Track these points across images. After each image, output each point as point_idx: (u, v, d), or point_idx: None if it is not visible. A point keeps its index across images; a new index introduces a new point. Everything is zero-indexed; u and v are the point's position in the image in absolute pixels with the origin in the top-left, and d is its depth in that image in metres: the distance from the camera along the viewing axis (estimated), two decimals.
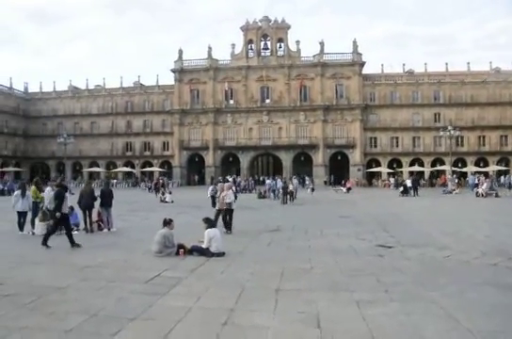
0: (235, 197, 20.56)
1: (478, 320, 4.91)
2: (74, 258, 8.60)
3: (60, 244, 9.86)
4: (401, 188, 32.12)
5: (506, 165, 50.12)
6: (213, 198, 18.99)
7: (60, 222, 10.18)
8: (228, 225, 12.44)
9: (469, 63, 52.80)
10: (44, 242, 9.75)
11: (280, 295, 5.88)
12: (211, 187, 20.22)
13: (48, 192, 12.58)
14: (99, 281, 6.59)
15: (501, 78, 51.83)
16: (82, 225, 12.82)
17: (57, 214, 9.91)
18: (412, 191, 31.52)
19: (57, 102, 60.12)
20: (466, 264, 8.06)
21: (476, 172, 45.61)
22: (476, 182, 34.17)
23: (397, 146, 53.04)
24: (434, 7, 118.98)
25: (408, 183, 32.76)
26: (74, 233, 12.25)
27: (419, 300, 5.65)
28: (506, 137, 51.76)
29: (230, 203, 12.56)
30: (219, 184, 14.49)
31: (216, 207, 13.41)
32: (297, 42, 54.28)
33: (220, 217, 12.67)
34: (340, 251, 9.23)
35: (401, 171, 49.56)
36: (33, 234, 11.89)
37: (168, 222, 9.01)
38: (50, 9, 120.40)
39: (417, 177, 37.16)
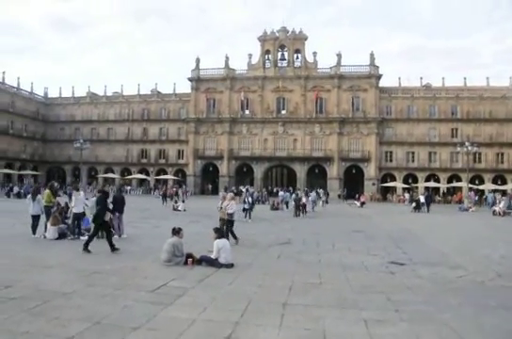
0: (251, 208, 20.64)
1: None
2: (83, 264, 8.60)
3: (71, 249, 9.90)
4: (414, 204, 31.89)
5: None
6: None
7: (104, 228, 10.41)
8: (233, 235, 12.27)
9: (488, 78, 52.24)
10: (85, 247, 9.88)
11: (287, 309, 5.77)
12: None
13: (76, 197, 12.64)
14: (105, 287, 6.56)
15: None
16: None
17: (105, 218, 10.25)
18: (425, 207, 31.21)
19: (76, 107, 61.03)
20: (480, 285, 7.84)
21: (494, 190, 44.83)
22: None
23: (413, 161, 52.44)
24: (453, 20, 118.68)
25: (422, 198, 32.45)
26: (85, 238, 12.34)
27: (430, 322, 5.48)
28: None
29: (231, 214, 12.38)
30: (220, 193, 14.47)
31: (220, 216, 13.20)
32: (314, 54, 54.40)
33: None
34: (351, 267, 9.07)
35: (416, 187, 48.90)
36: (45, 237, 11.97)
37: (177, 231, 8.98)
38: (72, 18, 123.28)
39: (430, 193, 36.73)
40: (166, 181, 54.56)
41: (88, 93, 61.33)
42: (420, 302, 6.41)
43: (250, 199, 21.93)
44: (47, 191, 13.22)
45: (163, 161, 57.83)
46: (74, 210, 12.36)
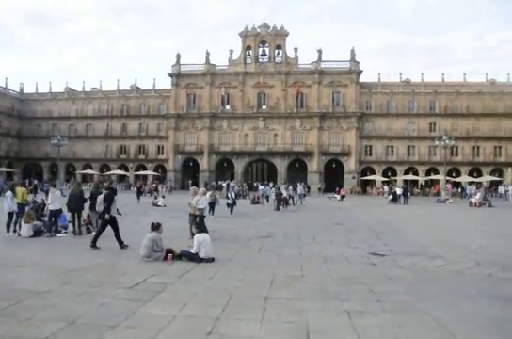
0: (234, 202, 20.36)
1: (473, 334, 4.75)
2: (59, 261, 8.35)
3: (47, 246, 9.63)
4: (391, 196, 33.03)
5: (500, 175, 50.27)
6: (211, 204, 17.76)
7: (108, 224, 10.26)
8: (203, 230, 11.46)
9: (465, 74, 53.18)
10: (93, 244, 9.84)
11: (269, 303, 5.69)
12: (209, 193, 18.09)
13: (52, 193, 12.31)
14: (81, 285, 6.36)
15: (496, 90, 52.13)
16: (70, 227, 12.59)
17: (107, 215, 10.12)
18: (402, 199, 32.27)
19: (53, 103, 59.77)
20: (459, 274, 7.92)
21: (471, 182, 45.74)
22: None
23: (392, 155, 53.08)
24: (433, 17, 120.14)
25: (399, 191, 33.55)
26: (62, 235, 12.06)
27: (412, 311, 5.47)
28: (500, 147, 51.95)
29: (202, 209, 11.96)
30: (191, 188, 13.86)
31: (190, 211, 12.38)
32: (295, 49, 54.41)
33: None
34: (332, 259, 9.05)
35: (395, 180, 49.52)
36: (19, 235, 11.65)
37: (156, 226, 8.81)
38: (49, 13, 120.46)
39: (407, 186, 37.92)
40: (145, 176, 54.04)
41: (65, 89, 60.16)
42: (401, 292, 6.42)
43: (233, 194, 21.58)
44: (20, 189, 12.86)
45: (142, 157, 57.25)
46: (51, 207, 12.05)
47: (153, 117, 56.86)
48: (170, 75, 55.42)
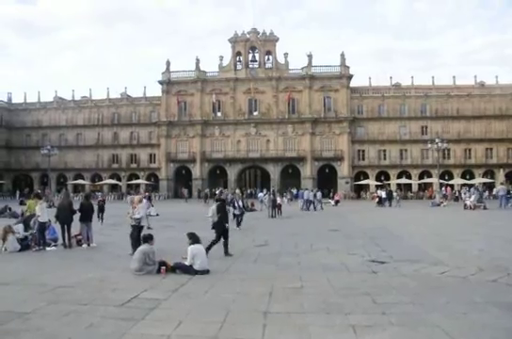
0: (242, 213, 17.71)
1: None
2: (46, 277, 7.94)
3: (34, 261, 9.23)
4: (377, 199, 34.94)
5: (492, 177, 50.38)
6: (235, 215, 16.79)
7: (224, 234, 10.55)
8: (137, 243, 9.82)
9: (454, 77, 53.35)
10: (226, 253, 10.38)
11: (269, 319, 5.37)
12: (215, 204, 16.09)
13: (40, 205, 11.87)
14: (69, 304, 5.99)
15: (485, 92, 52.48)
16: (60, 240, 12.17)
17: (227, 225, 10.71)
18: (387, 202, 34.04)
19: (42, 113, 59.13)
20: (464, 281, 7.67)
21: (463, 185, 45.71)
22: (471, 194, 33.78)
23: (385, 158, 53.06)
24: (420, 22, 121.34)
25: (383, 194, 35.11)
26: (51, 248, 11.63)
27: (421, 324, 5.18)
28: (491, 149, 52.17)
29: (139, 219, 10.98)
30: (129, 197, 13.12)
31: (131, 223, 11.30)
32: (286, 55, 54.39)
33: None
34: (331, 268, 8.76)
35: (389, 184, 49.37)
36: (5, 249, 11.20)
37: (147, 238, 8.46)
38: (37, 22, 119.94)
39: (391, 190, 39.81)
40: (138, 185, 53.53)
41: (55, 98, 59.65)
42: (407, 303, 6.14)
43: (241, 202, 18.66)
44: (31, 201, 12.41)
45: (134, 166, 56.76)
46: (40, 219, 11.62)
47: (145, 125, 56.48)
48: (161, 83, 55.15)
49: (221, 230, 10.51)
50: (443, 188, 41.60)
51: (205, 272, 8.08)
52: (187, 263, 8.17)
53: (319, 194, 31.53)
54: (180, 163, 54.90)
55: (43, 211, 11.79)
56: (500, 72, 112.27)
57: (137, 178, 55.11)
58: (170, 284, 7.24)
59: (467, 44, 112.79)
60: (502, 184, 38.32)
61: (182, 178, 54.82)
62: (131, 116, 57.25)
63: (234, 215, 17.24)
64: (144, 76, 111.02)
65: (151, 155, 56.55)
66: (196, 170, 53.99)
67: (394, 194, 36.36)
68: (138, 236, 10.13)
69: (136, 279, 7.73)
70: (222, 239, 10.58)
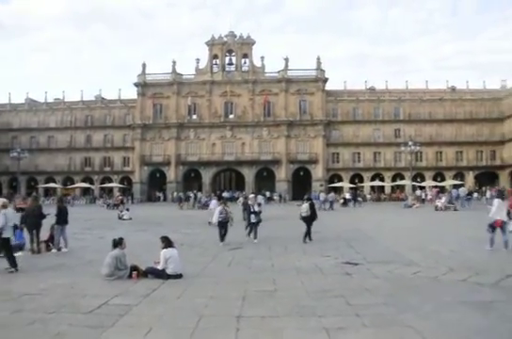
0: (259, 221, 14.02)
1: None
2: (12, 284, 7.66)
3: None
4: (342, 201, 37.43)
5: (461, 179, 51.60)
6: (222, 225, 13.41)
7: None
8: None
9: (427, 81, 54.70)
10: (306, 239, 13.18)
11: (242, 323, 5.29)
12: (219, 209, 13.78)
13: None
14: (35, 312, 5.76)
15: (456, 97, 53.85)
16: (28, 246, 11.79)
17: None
18: (352, 203, 36.93)
19: (13, 115, 57.57)
20: (435, 281, 7.78)
21: (435, 186, 46.62)
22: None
23: (359, 161, 53.72)
24: (394, 28, 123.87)
25: (347, 195, 38.38)
26: (18, 254, 11.22)
27: (393, 325, 5.21)
28: (461, 152, 53.50)
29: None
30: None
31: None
32: (262, 58, 54.55)
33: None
34: (305, 270, 8.74)
35: (357, 187, 49.81)
36: None
37: (118, 242, 8.25)
38: (8, 22, 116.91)
39: (356, 191, 43.22)
40: (111, 189, 52.66)
41: (26, 100, 58.21)
42: (380, 304, 6.16)
43: (257, 207, 14.62)
44: None
45: (108, 169, 55.86)
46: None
47: (119, 128, 55.69)
48: (136, 85, 54.57)
49: (311, 221, 13.69)
50: (432, 190, 42.45)
51: (178, 276, 7.94)
52: (160, 267, 8.02)
53: (331, 195, 35.03)
54: (154, 166, 54.33)
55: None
56: (470, 78, 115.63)
57: (111, 181, 54.21)
58: (142, 289, 7.08)
59: (439, 50, 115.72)
60: (462, 186, 40.01)
61: (156, 181, 54.24)
62: (105, 118, 56.40)
63: (250, 223, 14.18)
64: (119, 79, 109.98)
65: (125, 158, 55.80)
66: (170, 174, 53.49)
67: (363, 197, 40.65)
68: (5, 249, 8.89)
69: (107, 284, 7.53)
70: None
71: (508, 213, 12.28)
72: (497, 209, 11.28)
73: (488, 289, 7.04)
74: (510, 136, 51.50)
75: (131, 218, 23.40)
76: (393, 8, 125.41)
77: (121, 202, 32.40)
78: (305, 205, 14.15)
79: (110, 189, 52.78)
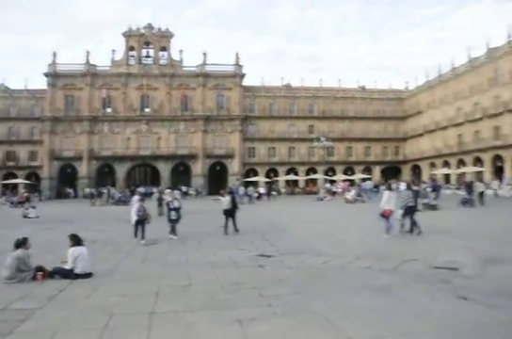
0: (179, 217, 13.60)
1: (360, 327, 4.83)
2: None
3: None
4: (256, 194, 38.14)
5: (369, 173, 55.04)
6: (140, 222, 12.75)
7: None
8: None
9: (340, 80, 57.35)
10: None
11: (155, 319, 5.22)
12: (136, 206, 13.22)
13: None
14: None
15: (366, 95, 57.26)
16: None
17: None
18: (265, 197, 38.38)
19: None
20: (343, 268, 8.22)
21: (345, 180, 49.14)
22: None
23: (274, 156, 55.13)
24: (310, 28, 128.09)
25: (262, 190, 39.89)
26: None
27: (303, 312, 5.44)
28: (370, 148, 57.10)
29: None
30: None
31: None
32: (181, 52, 53.78)
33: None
34: (219, 264, 8.80)
35: (272, 181, 51.13)
36: None
37: (22, 242, 7.69)
38: None
39: (270, 186, 45.30)
40: (16, 185, 48.85)
41: None
42: (291, 293, 6.40)
43: (177, 203, 13.96)
44: None
45: (12, 164, 51.80)
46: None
47: (26, 120, 51.90)
48: (46, 75, 51.12)
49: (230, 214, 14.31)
50: (343, 183, 44.14)
51: (87, 276, 7.60)
52: (68, 266, 7.62)
53: (250, 189, 36.52)
54: (65, 161, 51.40)
55: None
56: (378, 78, 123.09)
57: (16, 177, 50.23)
58: (47, 291, 6.67)
59: (351, 51, 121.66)
60: (370, 179, 42.91)
61: (67, 177, 51.32)
62: (9, 109, 52.28)
63: (171, 220, 13.52)
64: (27, 68, 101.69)
65: (32, 153, 52.17)
66: (82, 169, 50.96)
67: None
68: None
69: (7, 288, 6.98)
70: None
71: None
72: (387, 200, 12.37)
73: (389, 274, 7.61)
74: (411, 133, 55.97)
75: (38, 217, 21.92)
76: (311, 9, 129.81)
77: (27, 200, 30.23)
78: (226, 198, 14.92)
79: (15, 186, 48.89)
